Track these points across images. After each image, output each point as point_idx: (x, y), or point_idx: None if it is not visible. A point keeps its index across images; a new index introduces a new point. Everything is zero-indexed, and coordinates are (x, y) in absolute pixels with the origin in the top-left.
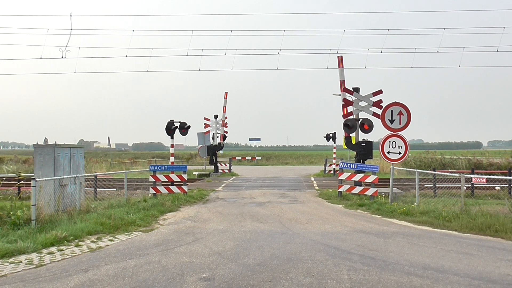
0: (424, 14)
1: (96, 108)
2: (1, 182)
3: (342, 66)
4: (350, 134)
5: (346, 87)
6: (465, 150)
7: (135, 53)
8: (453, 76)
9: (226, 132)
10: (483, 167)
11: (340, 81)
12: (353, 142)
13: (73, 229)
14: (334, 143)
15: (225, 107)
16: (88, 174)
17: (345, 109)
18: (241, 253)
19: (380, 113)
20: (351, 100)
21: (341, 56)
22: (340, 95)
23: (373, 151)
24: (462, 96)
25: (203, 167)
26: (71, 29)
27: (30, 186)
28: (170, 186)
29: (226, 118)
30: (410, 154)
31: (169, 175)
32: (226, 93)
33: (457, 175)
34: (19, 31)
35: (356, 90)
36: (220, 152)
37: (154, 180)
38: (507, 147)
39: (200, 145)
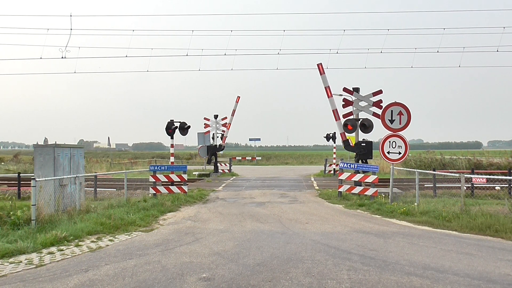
0: (424, 14)
1: (96, 108)
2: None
3: (324, 73)
4: (350, 134)
5: (330, 92)
6: (465, 150)
7: (135, 53)
8: (453, 76)
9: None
10: (483, 167)
11: (325, 87)
12: (353, 142)
13: (73, 229)
14: (334, 143)
15: (235, 110)
16: (88, 174)
17: (336, 115)
18: (241, 253)
19: (380, 113)
20: (351, 100)
21: (321, 64)
22: (341, 95)
23: (373, 151)
24: (462, 96)
25: (203, 167)
26: (71, 29)
27: (30, 186)
28: (170, 186)
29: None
30: (410, 154)
31: (169, 175)
32: (238, 97)
33: (457, 175)
34: (19, 31)
35: (356, 90)
36: (220, 152)
37: (154, 180)
38: (507, 147)
39: (200, 145)
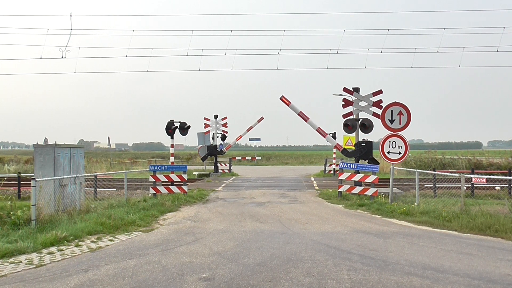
0: (424, 14)
1: (96, 108)
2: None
3: (290, 103)
4: (350, 134)
5: (306, 115)
6: (465, 150)
7: (135, 53)
8: (453, 76)
9: (226, 132)
10: (483, 167)
11: (298, 114)
12: (353, 142)
13: (73, 229)
14: None
15: (252, 127)
16: (88, 174)
17: (322, 133)
18: (241, 253)
19: (380, 113)
20: (351, 100)
21: (283, 96)
22: (340, 95)
23: (373, 151)
24: (462, 96)
25: (203, 167)
26: (71, 29)
27: (30, 186)
28: (170, 186)
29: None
30: (410, 154)
31: (169, 175)
32: (261, 117)
33: (457, 175)
34: (19, 31)
35: (356, 90)
36: None
37: (154, 180)
38: (507, 147)
39: (200, 145)
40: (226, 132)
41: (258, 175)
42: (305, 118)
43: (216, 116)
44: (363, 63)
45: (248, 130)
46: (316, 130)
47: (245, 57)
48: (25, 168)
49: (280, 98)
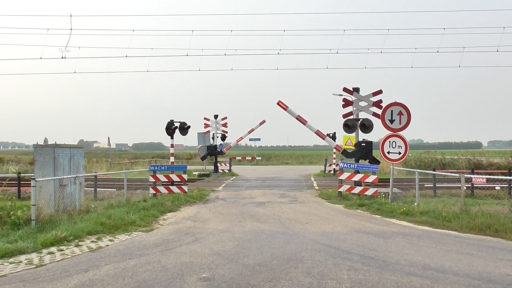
0: (424, 14)
1: (96, 108)
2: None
3: (287, 107)
4: (350, 134)
5: (304, 118)
6: (465, 150)
7: (135, 53)
8: (453, 76)
9: (226, 132)
10: (483, 167)
11: (296, 118)
12: (353, 142)
13: (73, 229)
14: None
15: (253, 130)
16: (88, 174)
17: (321, 135)
18: (241, 253)
19: (380, 113)
20: (351, 100)
21: (280, 101)
22: (340, 95)
23: (373, 151)
24: (462, 96)
25: (203, 167)
26: (71, 29)
27: (30, 186)
28: (170, 186)
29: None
30: (410, 154)
31: (169, 175)
32: (263, 121)
33: (457, 175)
34: (19, 31)
35: (356, 90)
36: None
37: (154, 180)
38: (507, 147)
39: (200, 145)
40: (226, 132)
41: (258, 175)
42: (303, 122)
43: (216, 116)
44: (363, 63)
45: (250, 132)
46: (315, 133)
47: (245, 57)
48: (25, 168)
49: (277, 103)
